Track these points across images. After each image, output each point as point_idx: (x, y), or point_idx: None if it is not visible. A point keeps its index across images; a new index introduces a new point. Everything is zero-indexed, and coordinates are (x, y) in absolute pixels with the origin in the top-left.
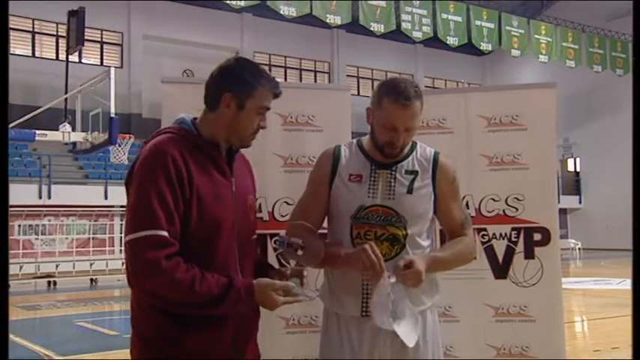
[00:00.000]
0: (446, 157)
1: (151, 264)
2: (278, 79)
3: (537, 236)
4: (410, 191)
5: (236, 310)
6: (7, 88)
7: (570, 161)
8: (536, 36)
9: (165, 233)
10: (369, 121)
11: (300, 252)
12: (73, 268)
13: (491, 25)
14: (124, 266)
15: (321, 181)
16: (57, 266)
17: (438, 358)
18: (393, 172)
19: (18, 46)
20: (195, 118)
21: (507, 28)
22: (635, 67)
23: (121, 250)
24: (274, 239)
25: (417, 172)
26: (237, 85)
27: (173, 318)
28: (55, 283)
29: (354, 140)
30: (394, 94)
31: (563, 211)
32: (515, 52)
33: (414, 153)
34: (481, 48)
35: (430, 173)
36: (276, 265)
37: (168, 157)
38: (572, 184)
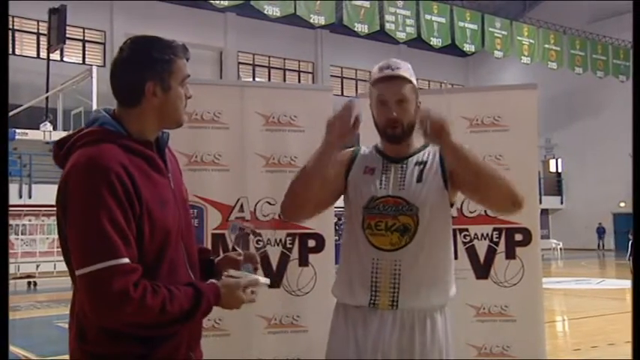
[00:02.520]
0: None
1: (119, 296)
2: (261, 79)
3: (518, 236)
4: (419, 179)
5: (205, 316)
6: (7, 88)
7: (552, 162)
8: (518, 38)
9: (126, 260)
10: (372, 114)
11: (252, 236)
12: (54, 268)
13: (475, 27)
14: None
15: (341, 162)
16: (37, 266)
17: (446, 357)
18: (404, 165)
19: None
20: (113, 112)
21: (490, 29)
22: (635, 67)
23: None
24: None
25: (426, 162)
26: (155, 68)
27: (131, 337)
28: (35, 283)
29: (371, 145)
30: (379, 68)
31: (545, 212)
32: (498, 54)
33: (425, 150)
34: (464, 49)
35: (437, 158)
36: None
37: (111, 173)
38: (554, 185)
